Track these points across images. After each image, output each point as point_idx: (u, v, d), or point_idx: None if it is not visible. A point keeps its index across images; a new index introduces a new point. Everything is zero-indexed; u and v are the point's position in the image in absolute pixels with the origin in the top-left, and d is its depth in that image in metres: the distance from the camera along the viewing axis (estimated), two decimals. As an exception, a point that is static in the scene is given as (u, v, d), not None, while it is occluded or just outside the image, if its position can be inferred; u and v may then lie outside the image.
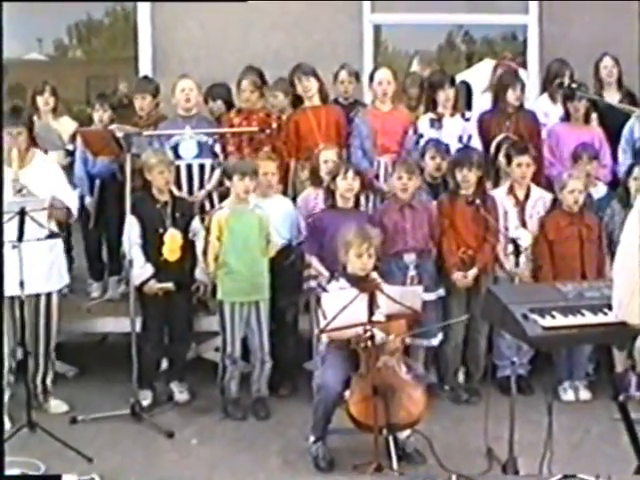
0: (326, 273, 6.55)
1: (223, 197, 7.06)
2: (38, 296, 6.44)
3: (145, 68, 8.98)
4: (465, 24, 9.53)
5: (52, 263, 6.61)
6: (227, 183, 6.77)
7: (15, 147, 6.44)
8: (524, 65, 9.02)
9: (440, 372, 7.03)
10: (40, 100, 8.04)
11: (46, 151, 7.66)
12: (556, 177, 7.16)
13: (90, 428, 6.45)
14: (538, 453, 5.25)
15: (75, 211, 6.74)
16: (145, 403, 6.73)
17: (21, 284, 6.07)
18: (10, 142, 6.43)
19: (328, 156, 7.03)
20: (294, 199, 7.34)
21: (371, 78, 7.70)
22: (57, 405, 6.82)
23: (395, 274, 6.58)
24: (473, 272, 6.74)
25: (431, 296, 6.62)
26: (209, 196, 7.47)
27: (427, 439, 5.83)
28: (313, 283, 6.65)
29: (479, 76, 8.54)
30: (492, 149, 7.37)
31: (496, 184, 7.22)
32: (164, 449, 6.19)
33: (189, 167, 7.42)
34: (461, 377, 7.07)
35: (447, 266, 6.77)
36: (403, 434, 5.84)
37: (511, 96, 7.53)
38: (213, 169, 7.40)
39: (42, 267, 6.48)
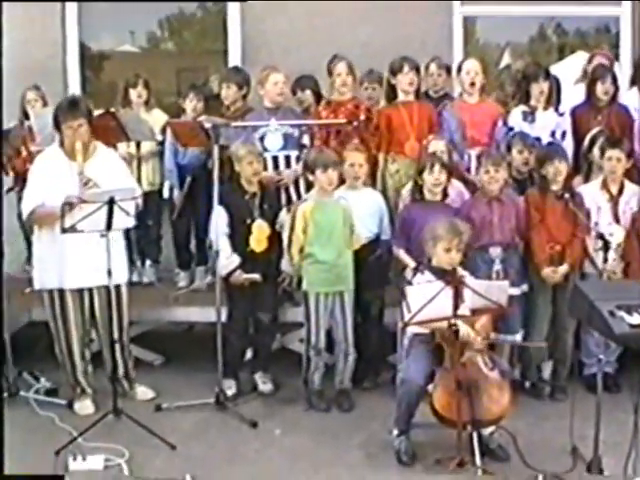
0: (413, 264, 6.53)
1: (310, 186, 7.06)
2: (107, 288, 6.43)
3: (235, 60, 9.03)
4: (557, 16, 9.39)
5: (116, 255, 6.46)
6: (309, 177, 6.76)
7: (78, 140, 6.43)
8: (617, 58, 8.85)
9: (523, 368, 6.96)
10: (133, 93, 8.12)
11: (138, 143, 7.83)
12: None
13: (174, 416, 6.54)
14: (623, 453, 5.17)
15: (141, 202, 6.71)
16: (229, 393, 6.80)
17: (109, 272, 6.18)
18: (72, 135, 6.45)
19: (437, 147, 6.99)
20: (384, 192, 7.33)
21: (459, 69, 7.64)
22: (144, 392, 6.94)
23: (480, 268, 6.52)
24: (564, 268, 6.64)
25: (516, 291, 6.53)
26: (296, 187, 7.49)
27: (511, 435, 5.78)
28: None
29: (571, 69, 8.40)
30: (586, 143, 7.24)
31: (587, 179, 7.10)
32: (247, 439, 6.23)
33: (275, 159, 7.44)
34: (547, 374, 6.98)
35: (537, 261, 6.68)
36: (487, 430, 5.80)
37: (600, 89, 7.40)
38: (299, 160, 7.39)
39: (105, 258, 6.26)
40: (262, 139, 7.40)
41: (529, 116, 7.36)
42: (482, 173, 6.69)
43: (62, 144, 6.55)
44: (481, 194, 6.76)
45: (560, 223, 6.68)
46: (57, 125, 6.54)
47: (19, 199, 7.67)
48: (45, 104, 8.05)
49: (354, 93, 7.65)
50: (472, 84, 7.48)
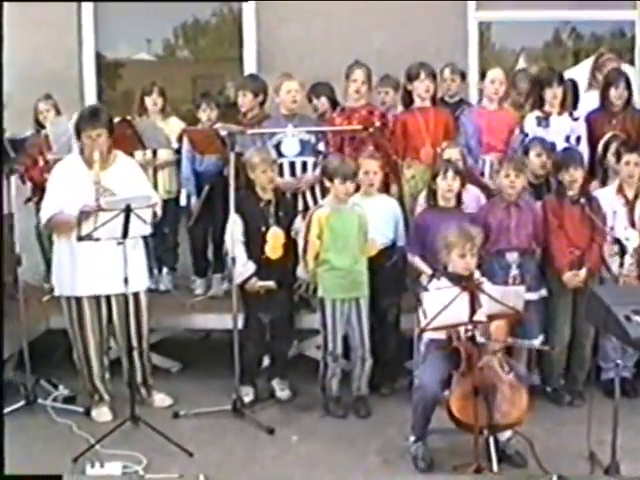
0: (429, 271, 6.53)
1: (325, 194, 7.06)
2: (125, 295, 6.46)
3: (250, 67, 9.07)
4: (572, 20, 9.38)
5: (135, 263, 6.49)
6: (327, 183, 6.76)
7: (96, 149, 6.44)
8: (632, 62, 8.84)
9: (543, 373, 6.94)
10: (148, 101, 8.15)
11: (155, 151, 7.85)
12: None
13: (192, 423, 6.56)
14: (642, 458, 5.17)
15: (159, 211, 6.72)
16: (247, 399, 6.81)
17: (125, 281, 6.19)
18: (90, 144, 6.47)
19: (452, 154, 7.00)
20: (400, 198, 7.34)
21: (482, 76, 7.65)
22: (162, 399, 6.95)
23: (497, 273, 6.52)
24: (584, 272, 6.62)
25: (533, 296, 6.53)
26: (312, 193, 7.50)
27: (528, 441, 5.77)
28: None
29: (586, 73, 8.38)
30: (600, 147, 7.23)
31: (604, 184, 7.09)
32: (264, 445, 6.23)
33: (292, 164, 7.45)
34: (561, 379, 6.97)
35: (558, 266, 6.66)
36: (504, 435, 5.79)
37: (614, 94, 7.38)
38: (315, 166, 7.39)
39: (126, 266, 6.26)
40: (279, 145, 7.42)
41: (543, 121, 7.35)
42: (502, 177, 6.67)
43: (82, 152, 6.59)
44: (499, 199, 6.76)
45: (578, 228, 6.66)
46: (77, 133, 6.57)
47: (37, 211, 7.73)
48: (58, 113, 8.08)
49: (368, 99, 7.66)
50: (495, 93, 7.48)
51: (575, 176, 6.64)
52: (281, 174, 7.31)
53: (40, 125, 8.05)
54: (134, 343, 6.71)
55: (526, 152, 7.08)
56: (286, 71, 7.74)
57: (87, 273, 6.51)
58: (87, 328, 6.64)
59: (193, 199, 8.04)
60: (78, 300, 6.60)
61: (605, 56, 8.17)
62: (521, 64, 9.40)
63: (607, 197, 6.80)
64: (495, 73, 7.54)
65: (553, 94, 7.35)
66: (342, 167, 6.67)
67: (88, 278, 6.52)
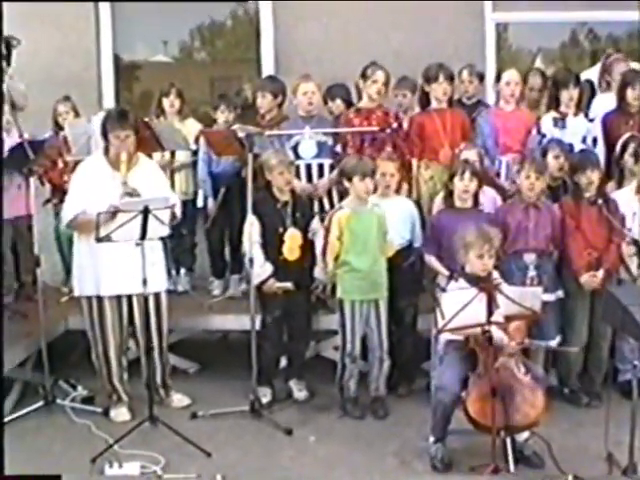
0: (445, 272, 6.54)
1: (342, 195, 7.08)
2: (146, 296, 6.52)
3: (268, 69, 9.09)
4: (589, 21, 9.37)
5: (153, 264, 6.46)
6: (346, 184, 6.76)
7: (124, 150, 6.47)
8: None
9: (560, 375, 6.93)
10: (166, 102, 8.18)
11: (173, 152, 7.87)
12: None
13: (210, 423, 6.57)
14: (660, 459, 5.16)
15: (179, 212, 6.73)
16: (264, 400, 6.81)
17: (144, 282, 6.21)
18: (118, 145, 6.50)
19: (469, 156, 7.00)
20: (418, 200, 7.35)
21: (498, 78, 7.66)
22: (180, 399, 6.98)
23: (514, 274, 6.52)
24: (601, 273, 6.60)
25: (550, 297, 6.54)
26: (329, 195, 7.51)
27: (546, 442, 5.76)
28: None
29: (601, 74, 8.37)
30: (618, 148, 7.21)
31: (620, 185, 7.07)
32: (282, 446, 6.24)
33: (308, 167, 7.47)
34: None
35: (575, 268, 6.65)
36: (521, 436, 5.80)
37: (631, 95, 7.36)
38: (332, 168, 7.41)
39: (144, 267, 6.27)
40: (296, 147, 7.44)
41: (560, 122, 7.35)
42: (523, 178, 6.66)
43: (106, 153, 6.61)
44: (518, 200, 6.75)
45: (596, 229, 6.65)
46: (104, 134, 6.60)
47: (56, 213, 7.77)
48: (77, 115, 8.12)
49: (383, 101, 7.66)
50: (511, 95, 7.49)
51: (592, 178, 6.63)
52: (298, 176, 7.33)
53: (59, 127, 8.08)
54: (154, 343, 6.75)
55: (544, 154, 7.06)
56: (303, 72, 7.75)
57: (109, 273, 6.54)
58: (108, 328, 6.67)
59: (210, 201, 8.05)
60: (100, 300, 6.63)
61: (612, 57, 8.16)
62: (538, 65, 9.39)
63: (625, 198, 6.79)
64: (510, 74, 7.55)
65: (569, 95, 7.35)
66: (361, 165, 6.67)
67: (111, 278, 6.55)
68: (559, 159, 7.00)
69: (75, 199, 6.56)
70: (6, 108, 7.65)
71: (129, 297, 6.67)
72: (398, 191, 7.17)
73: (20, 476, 5.38)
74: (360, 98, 7.74)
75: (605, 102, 7.69)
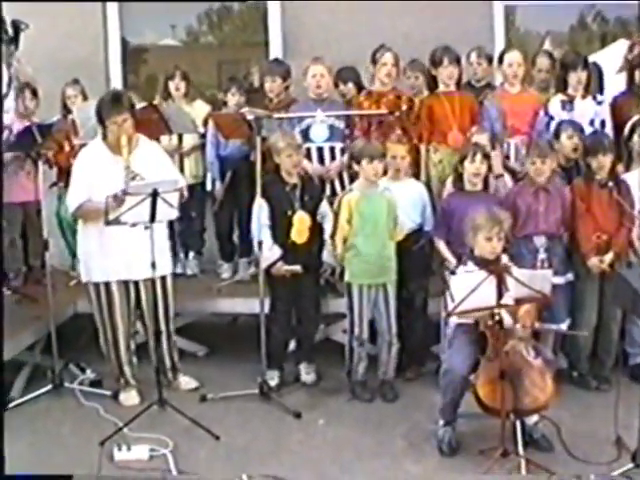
0: (452, 259, 6.53)
1: (353, 179, 7.06)
2: (153, 279, 6.54)
3: (276, 52, 9.05)
4: (597, 3, 9.33)
5: (160, 247, 6.38)
6: (355, 167, 6.75)
7: (123, 134, 6.40)
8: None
9: (570, 358, 6.92)
10: (171, 85, 8.18)
11: (180, 135, 7.86)
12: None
13: (219, 406, 6.59)
14: (669, 442, 5.13)
15: (185, 192, 6.74)
16: (273, 383, 6.82)
17: (153, 265, 6.20)
18: (117, 130, 6.43)
19: (480, 140, 6.98)
20: (427, 183, 7.34)
21: (500, 60, 7.64)
22: (187, 382, 6.99)
23: (525, 257, 6.50)
24: (609, 257, 6.58)
25: (560, 280, 6.52)
26: (340, 178, 7.50)
27: (555, 425, 5.78)
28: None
29: (613, 57, 8.32)
30: (626, 131, 7.18)
31: (628, 168, 7.05)
32: (291, 429, 6.26)
33: (320, 150, 7.46)
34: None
35: (584, 251, 6.62)
36: (531, 420, 5.80)
37: (639, 77, 7.34)
38: (344, 152, 7.40)
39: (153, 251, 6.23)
40: (307, 130, 7.43)
41: (568, 105, 7.32)
42: (528, 164, 6.65)
43: (105, 138, 6.58)
44: (528, 183, 6.72)
45: (606, 212, 6.62)
46: (101, 120, 6.56)
47: (59, 196, 7.77)
48: (85, 98, 8.12)
49: (396, 83, 7.64)
50: (514, 76, 7.46)
51: (604, 162, 6.59)
52: (309, 159, 7.32)
53: (67, 110, 8.08)
54: (162, 327, 6.75)
55: (557, 135, 7.03)
56: (311, 55, 7.75)
57: (117, 258, 6.53)
58: (116, 313, 6.66)
59: (217, 184, 8.05)
60: (107, 285, 6.63)
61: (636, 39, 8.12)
62: (546, 48, 9.34)
63: (635, 180, 6.76)
64: (512, 56, 7.56)
65: (577, 78, 7.31)
66: (368, 148, 6.67)
67: (118, 263, 6.55)
68: (573, 139, 6.96)
69: (79, 188, 6.53)
70: (27, 94, 7.70)
71: (136, 282, 6.67)
72: (414, 174, 7.16)
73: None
74: (371, 82, 7.72)
75: (618, 84, 7.66)
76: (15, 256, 7.88)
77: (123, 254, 6.50)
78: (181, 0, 9.22)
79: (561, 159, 6.92)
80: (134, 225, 6.11)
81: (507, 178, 7.04)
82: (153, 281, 6.54)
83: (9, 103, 6.91)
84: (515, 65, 7.49)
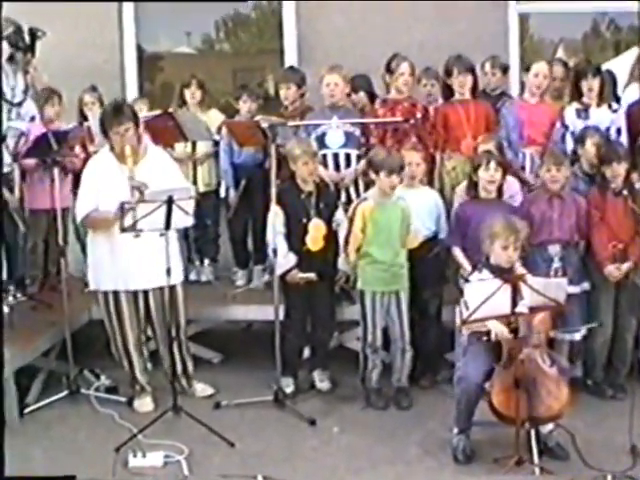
0: (468, 266, 6.52)
1: (368, 186, 7.07)
2: (162, 288, 6.56)
3: (291, 60, 9.09)
4: (610, 11, 9.33)
5: (171, 256, 6.36)
6: (372, 176, 6.75)
7: (126, 144, 6.40)
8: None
9: (585, 367, 6.91)
10: (187, 93, 8.20)
11: (194, 142, 7.88)
12: None
13: (233, 413, 6.59)
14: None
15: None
16: (288, 390, 6.83)
17: (168, 271, 6.21)
18: (120, 140, 6.44)
19: (487, 148, 6.98)
20: (441, 190, 7.34)
21: (527, 69, 7.63)
22: (203, 389, 7.00)
23: (539, 265, 6.50)
24: (627, 265, 6.55)
25: (575, 289, 6.51)
26: (355, 185, 7.51)
27: (570, 434, 5.74)
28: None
29: (627, 65, 8.33)
30: (640, 140, 7.19)
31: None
32: (306, 436, 6.26)
33: (335, 156, 7.46)
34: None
35: (599, 259, 6.61)
36: (546, 428, 5.78)
37: (655, 86, 7.36)
38: (359, 159, 7.41)
39: (160, 260, 6.24)
40: (323, 136, 7.44)
41: (583, 113, 7.31)
42: (544, 172, 6.65)
43: (112, 149, 6.58)
44: (542, 191, 6.72)
45: (622, 221, 6.58)
46: (104, 131, 6.57)
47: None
48: (102, 105, 8.12)
49: (411, 91, 7.65)
50: (538, 87, 7.46)
51: (618, 170, 6.57)
52: (325, 166, 7.34)
53: (84, 117, 8.10)
54: (173, 334, 6.74)
55: (582, 141, 6.98)
56: (326, 63, 7.74)
57: (126, 268, 6.54)
58: (125, 322, 6.67)
59: (231, 191, 8.07)
60: (116, 295, 6.64)
61: None
62: (560, 55, 9.35)
63: (648, 190, 6.76)
64: (540, 67, 7.52)
65: (589, 86, 7.30)
66: (389, 160, 6.65)
67: (127, 273, 6.56)
68: (597, 146, 6.94)
69: (86, 197, 6.55)
70: (56, 100, 7.74)
71: (145, 291, 6.68)
72: (428, 182, 7.17)
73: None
74: (386, 91, 7.74)
75: (633, 92, 7.65)
76: (35, 262, 7.91)
77: (134, 264, 6.51)
78: (198, 0, 9.22)
79: (585, 165, 6.91)
80: (138, 235, 6.14)
81: (511, 179, 7.00)
82: (162, 290, 6.55)
83: (25, 109, 6.93)
84: (541, 76, 7.47)
